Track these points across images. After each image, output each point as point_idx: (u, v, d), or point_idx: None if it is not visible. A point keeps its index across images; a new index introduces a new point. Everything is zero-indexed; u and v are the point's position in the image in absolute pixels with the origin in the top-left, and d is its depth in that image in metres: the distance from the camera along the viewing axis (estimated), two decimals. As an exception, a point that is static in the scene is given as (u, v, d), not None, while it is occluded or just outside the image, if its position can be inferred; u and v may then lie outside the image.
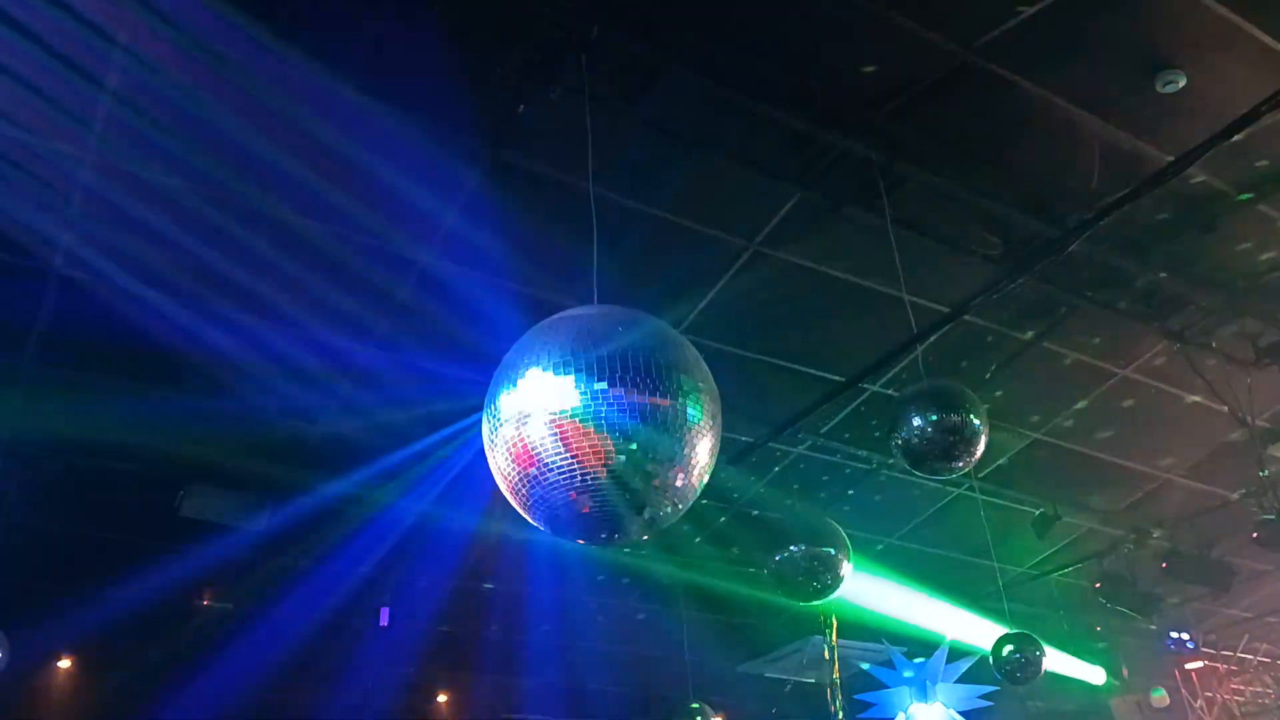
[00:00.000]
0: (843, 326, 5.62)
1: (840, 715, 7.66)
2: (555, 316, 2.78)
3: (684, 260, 5.13)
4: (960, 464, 4.00)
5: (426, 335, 5.24)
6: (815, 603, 5.99)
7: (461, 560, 7.19)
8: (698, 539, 7.49)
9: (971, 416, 3.98)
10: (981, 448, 4.04)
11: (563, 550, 6.94)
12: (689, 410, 2.66)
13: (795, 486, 6.84)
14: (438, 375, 5.48)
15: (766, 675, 9.22)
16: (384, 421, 5.79)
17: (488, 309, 5.05)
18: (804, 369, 5.91)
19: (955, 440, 3.92)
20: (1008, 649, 6.06)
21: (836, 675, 7.81)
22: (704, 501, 6.43)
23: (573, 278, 4.59)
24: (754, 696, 9.32)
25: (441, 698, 8.66)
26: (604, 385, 2.58)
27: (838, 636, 7.90)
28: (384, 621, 7.39)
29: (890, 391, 5.98)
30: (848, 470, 6.93)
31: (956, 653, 7.70)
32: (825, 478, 7.01)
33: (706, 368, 2.76)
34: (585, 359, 2.60)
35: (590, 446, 2.58)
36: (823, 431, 6.53)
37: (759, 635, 8.82)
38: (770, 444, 6.34)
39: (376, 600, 7.36)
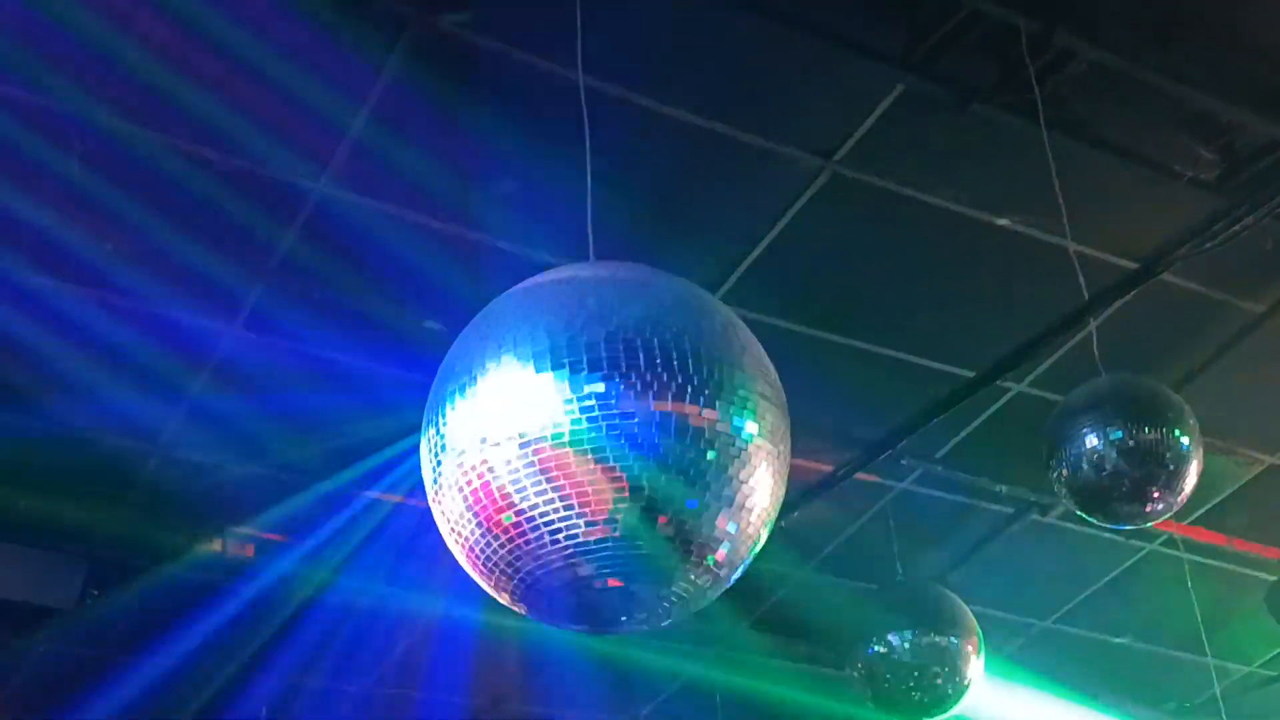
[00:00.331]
0: (968, 293, 5.64)
1: None
2: (529, 281, 2.75)
3: (722, 191, 5.13)
4: (1159, 506, 3.97)
5: (323, 308, 5.22)
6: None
7: (383, 654, 7.18)
8: (744, 623, 7.47)
9: (1178, 434, 3.96)
10: (1192, 481, 4.02)
11: (541, 640, 6.91)
12: (739, 423, 2.62)
13: (896, 541, 6.79)
14: (343, 371, 5.46)
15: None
16: (256, 442, 5.78)
17: (422, 267, 5.03)
18: (909, 358, 5.90)
19: (1153, 470, 3.89)
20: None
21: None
22: (759, 566, 6.42)
23: (553, 220, 4.62)
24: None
25: None
26: (603, 387, 2.52)
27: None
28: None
29: (1046, 394, 5.95)
30: (978, 515, 6.93)
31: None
32: (943, 527, 7.01)
33: (766, 357, 2.71)
34: (576, 346, 2.55)
35: (589, 485, 2.52)
36: (940, 456, 6.52)
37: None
38: (858, 474, 6.33)
39: (251, 709, 7.37)
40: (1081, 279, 4.63)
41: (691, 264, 5.23)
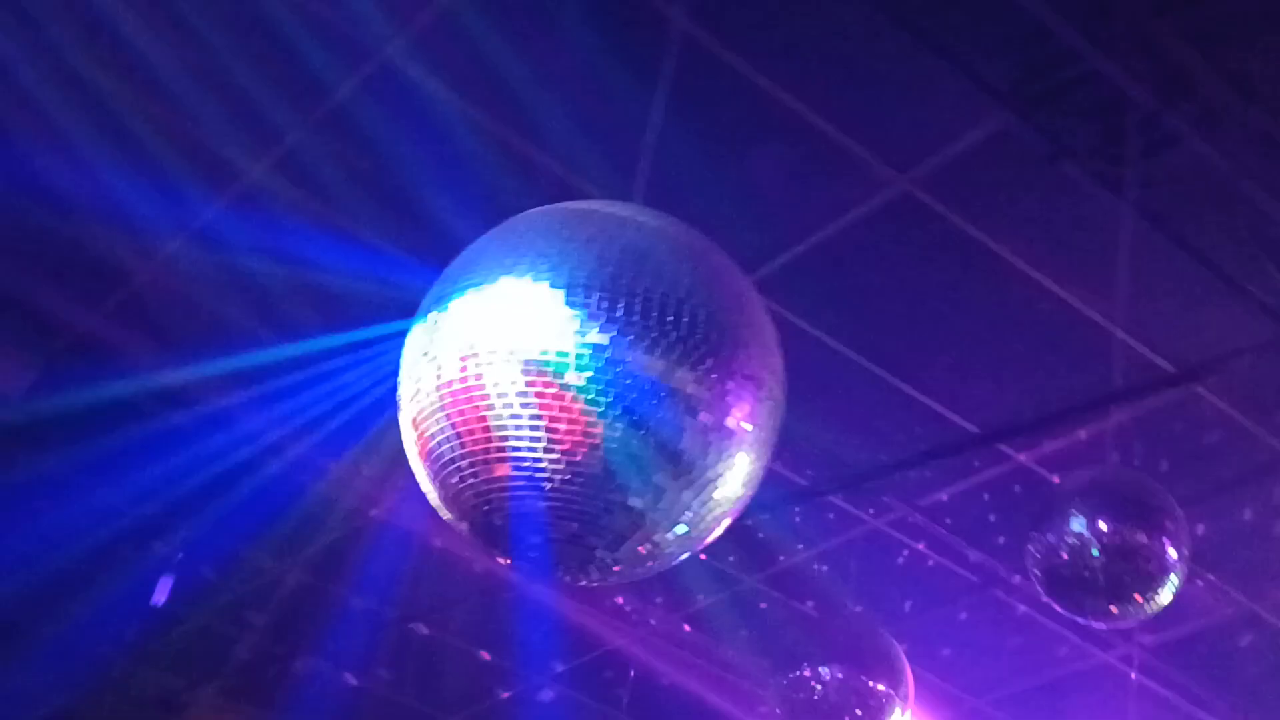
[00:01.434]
0: (1001, 350, 5.57)
1: None
2: (571, 205, 2.76)
3: (788, 173, 5.06)
4: (1127, 611, 3.92)
5: (355, 174, 5.21)
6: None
7: (311, 539, 7.14)
8: (678, 615, 7.48)
9: (1165, 543, 3.90)
10: (1167, 598, 3.97)
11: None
12: (729, 406, 2.59)
13: (855, 576, 6.73)
14: (356, 242, 5.42)
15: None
16: (253, 287, 5.72)
17: (462, 161, 4.98)
18: (921, 398, 5.85)
19: (1130, 574, 3.85)
20: None
21: None
22: (706, 561, 6.43)
23: (609, 152, 4.56)
24: None
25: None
26: (609, 336, 2.48)
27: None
28: (159, 597, 7.37)
29: (1047, 473, 5.91)
30: (943, 575, 6.85)
31: None
32: (905, 576, 6.93)
33: (778, 350, 2.71)
34: (596, 288, 2.52)
35: (566, 424, 2.50)
36: (923, 503, 6.45)
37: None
38: (836, 499, 6.28)
39: (158, 562, 7.34)
40: (1117, 368, 4.56)
41: (735, 236, 5.17)
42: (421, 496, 2.73)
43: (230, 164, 5.32)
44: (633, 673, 7.99)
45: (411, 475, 2.71)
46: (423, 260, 4.89)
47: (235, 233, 5.58)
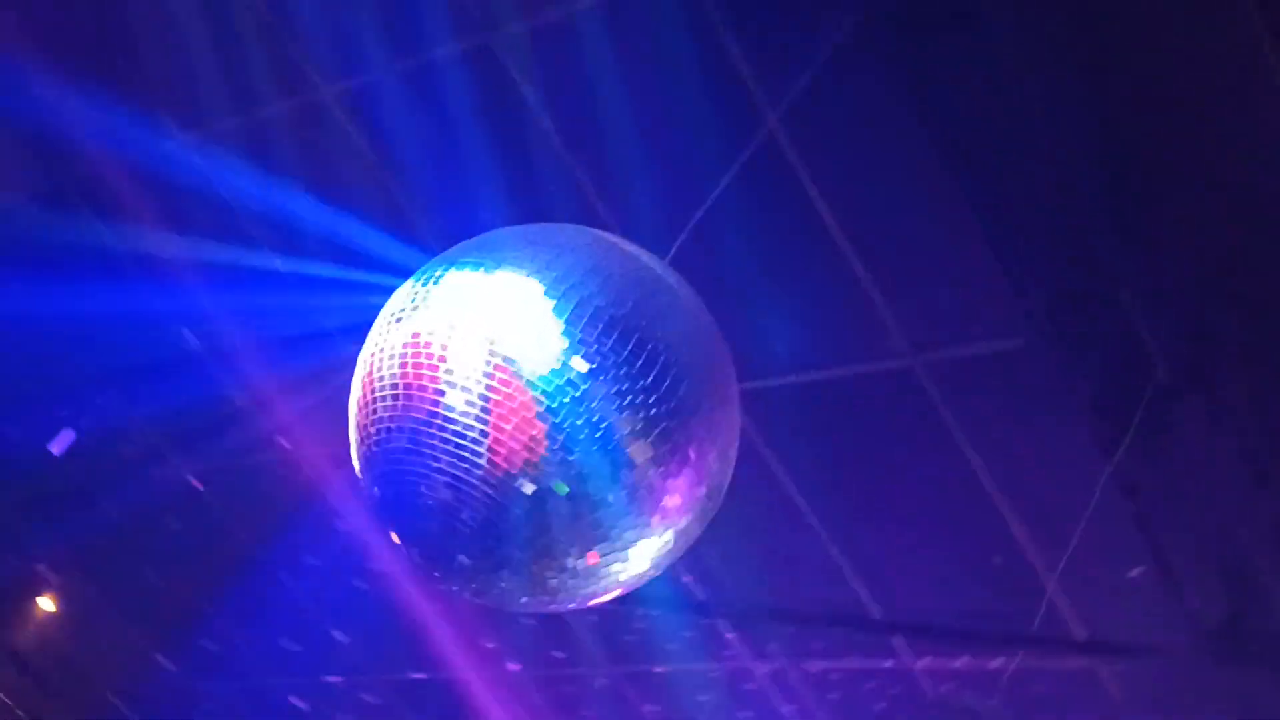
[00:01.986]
0: (940, 547, 5.49)
1: None
2: (605, 235, 2.83)
3: (812, 302, 5.08)
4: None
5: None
6: None
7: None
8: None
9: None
10: None
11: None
12: (673, 484, 2.61)
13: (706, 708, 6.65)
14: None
15: None
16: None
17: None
18: (845, 564, 5.76)
19: None
20: None
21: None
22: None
23: (654, 212, 4.57)
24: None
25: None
26: (594, 365, 2.51)
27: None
28: (57, 446, 7.28)
29: (928, 684, 5.82)
30: None
31: None
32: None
33: (734, 451, 2.76)
34: (604, 318, 2.54)
35: (514, 429, 2.50)
36: (806, 668, 6.31)
37: None
38: (720, 623, 6.21)
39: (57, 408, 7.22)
40: (1039, 616, 4.53)
41: (733, 337, 5.19)
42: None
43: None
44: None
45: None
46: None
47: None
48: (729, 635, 6.41)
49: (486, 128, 4.99)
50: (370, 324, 2.70)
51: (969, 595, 5.41)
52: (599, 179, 4.93)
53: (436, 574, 2.71)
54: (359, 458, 2.64)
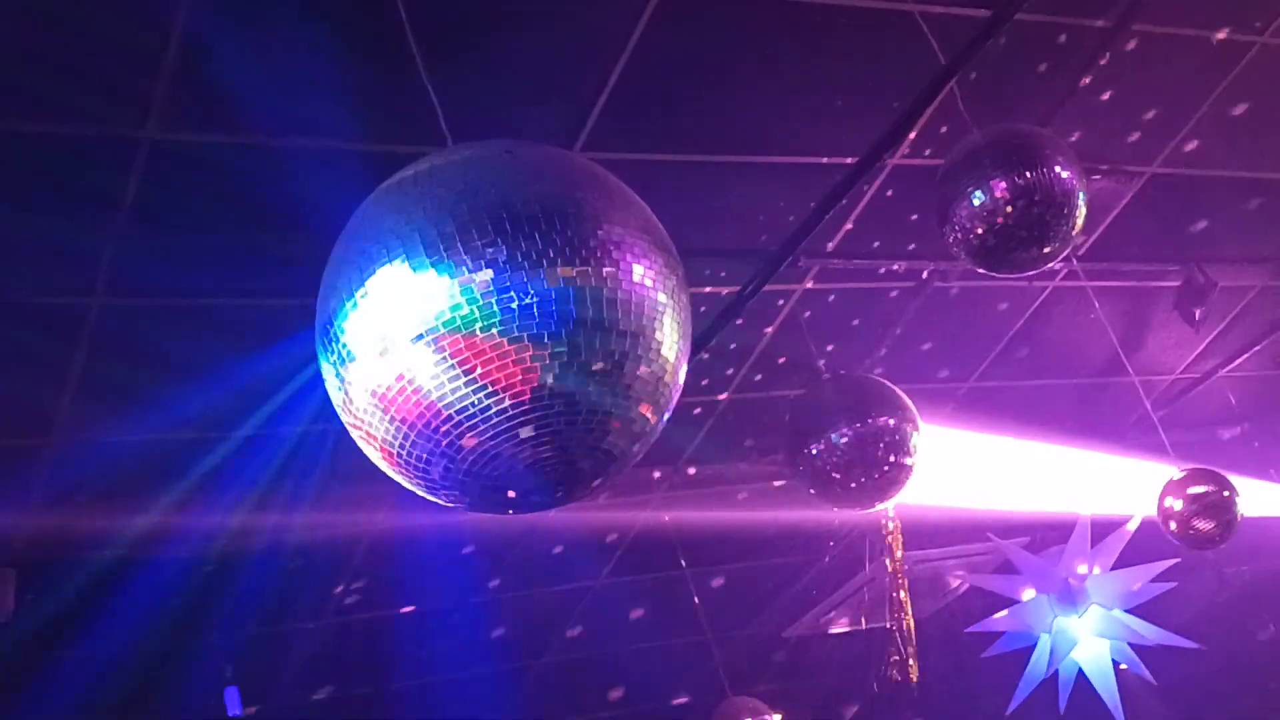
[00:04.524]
0: (828, 82, 5.62)
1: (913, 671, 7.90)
2: (392, 180, 2.74)
3: (557, 38, 5.03)
4: (1056, 245, 4.07)
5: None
6: (884, 505, 6.16)
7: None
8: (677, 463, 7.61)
9: (1058, 169, 4.03)
10: (1082, 212, 4.11)
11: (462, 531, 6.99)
12: (630, 275, 2.64)
13: (811, 341, 6.90)
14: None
15: (831, 632, 9.54)
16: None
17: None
18: (784, 159, 5.94)
19: (1042, 211, 3.97)
20: (1179, 501, 6.26)
21: (905, 614, 8.02)
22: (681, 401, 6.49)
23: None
24: (814, 671, 9.69)
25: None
26: (490, 274, 2.53)
27: (903, 548, 8.11)
28: (234, 710, 7.46)
29: (920, 161, 6.03)
30: (880, 297, 7.06)
31: (1104, 527, 7.98)
32: (851, 318, 7.13)
33: (640, 203, 2.74)
34: (456, 237, 2.56)
35: (500, 365, 2.56)
36: (832, 249, 6.59)
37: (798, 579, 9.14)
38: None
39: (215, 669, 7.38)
40: (934, 41, 4.62)
41: (545, 122, 5.22)
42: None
43: None
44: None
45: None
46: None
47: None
48: (773, 288, 6.52)
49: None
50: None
51: (877, 85, 5.54)
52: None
53: (564, 494, 2.78)
54: (454, 489, 2.70)
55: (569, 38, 5.06)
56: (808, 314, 6.97)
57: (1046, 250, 4.08)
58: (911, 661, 7.84)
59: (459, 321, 2.48)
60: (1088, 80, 6.10)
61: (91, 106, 4.48)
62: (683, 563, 8.46)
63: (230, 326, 5.53)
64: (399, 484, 2.75)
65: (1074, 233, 4.07)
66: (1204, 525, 6.18)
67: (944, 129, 5.75)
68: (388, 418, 2.61)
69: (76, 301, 5.30)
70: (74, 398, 5.62)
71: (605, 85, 5.26)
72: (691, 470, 7.77)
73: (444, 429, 2.56)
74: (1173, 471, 6.46)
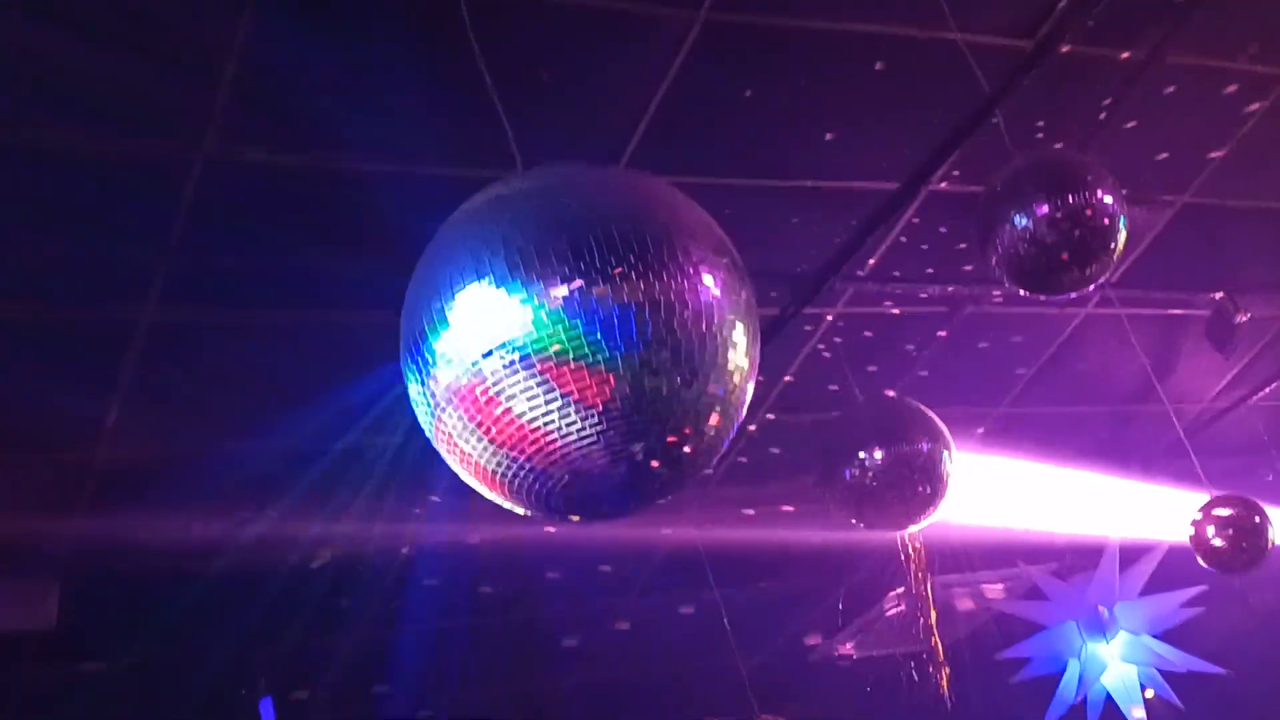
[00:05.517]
0: (868, 110, 5.66)
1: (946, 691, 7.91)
2: (470, 203, 2.82)
3: (598, 68, 5.10)
4: (1097, 267, 4.11)
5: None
6: (914, 528, 6.19)
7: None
8: (710, 483, 7.63)
9: (1099, 193, 4.07)
10: (1123, 236, 4.15)
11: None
12: (702, 291, 2.70)
13: (846, 365, 6.94)
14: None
15: (860, 655, 9.55)
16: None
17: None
18: (824, 184, 5.96)
19: (1084, 234, 4.01)
20: (1211, 525, 6.30)
21: (934, 637, 8.03)
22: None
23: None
24: (843, 694, 9.69)
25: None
26: (566, 290, 2.61)
27: (929, 572, 8.12)
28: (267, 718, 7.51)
29: (956, 188, 6.05)
30: (915, 320, 7.10)
31: (1133, 554, 7.99)
32: (883, 339, 7.17)
33: (710, 219, 2.82)
34: (535, 256, 2.62)
35: (580, 382, 2.64)
36: (866, 273, 6.63)
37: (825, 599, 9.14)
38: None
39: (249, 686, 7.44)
40: (978, 71, 4.66)
41: (589, 145, 5.27)
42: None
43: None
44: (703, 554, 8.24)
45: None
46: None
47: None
48: (810, 312, 6.59)
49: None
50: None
51: (920, 113, 5.57)
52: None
53: (641, 499, 2.85)
54: (531, 498, 2.77)
55: (615, 63, 5.11)
56: (840, 338, 7.01)
57: (1089, 272, 4.12)
58: (943, 685, 7.84)
59: (538, 340, 2.55)
60: (1119, 109, 6.13)
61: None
62: (712, 582, 8.49)
63: (286, 337, 5.62)
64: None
65: (1115, 255, 4.11)
66: (1235, 549, 6.22)
67: (977, 156, 5.79)
68: (483, 435, 2.67)
69: (126, 315, 5.39)
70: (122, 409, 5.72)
71: (646, 111, 5.32)
72: (723, 490, 7.79)
73: (529, 442, 2.63)
74: (1203, 498, 6.50)
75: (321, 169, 4.94)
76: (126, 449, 5.89)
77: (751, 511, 8.00)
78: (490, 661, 8.45)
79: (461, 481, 2.82)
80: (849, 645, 9.57)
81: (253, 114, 4.63)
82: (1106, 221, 4.04)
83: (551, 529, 6.58)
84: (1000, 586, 8.93)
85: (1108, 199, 4.07)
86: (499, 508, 2.83)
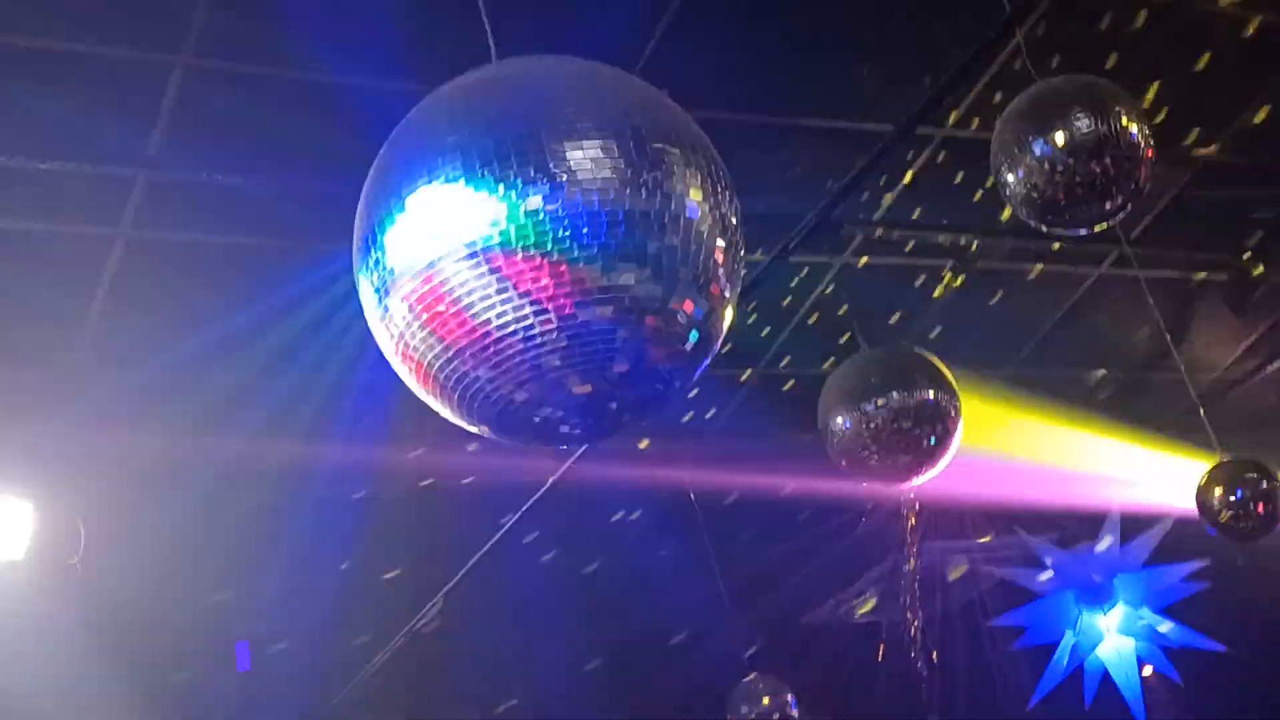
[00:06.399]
0: (883, 42, 5.52)
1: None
2: (437, 92, 2.66)
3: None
4: (1119, 202, 3.91)
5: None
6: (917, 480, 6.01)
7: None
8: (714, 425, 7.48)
9: (1125, 122, 3.87)
10: (1147, 171, 3.95)
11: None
12: (684, 201, 2.52)
13: (852, 315, 6.75)
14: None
15: (852, 620, 9.44)
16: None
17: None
18: (835, 124, 5.81)
19: (1106, 164, 3.81)
20: (1219, 489, 6.04)
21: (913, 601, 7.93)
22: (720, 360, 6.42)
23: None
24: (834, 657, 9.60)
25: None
26: (540, 198, 2.46)
27: (919, 536, 8.01)
28: (243, 663, 7.43)
29: (970, 134, 5.91)
30: (925, 272, 6.93)
31: (1136, 524, 7.84)
32: (892, 291, 7.00)
33: (695, 127, 2.63)
34: (503, 153, 2.46)
35: (547, 284, 2.48)
36: (878, 217, 6.43)
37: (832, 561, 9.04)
38: (801, 256, 6.21)
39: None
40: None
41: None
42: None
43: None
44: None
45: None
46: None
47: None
48: (814, 259, 6.49)
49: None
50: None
51: (936, 43, 5.39)
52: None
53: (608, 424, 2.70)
54: (487, 412, 2.61)
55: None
56: (849, 286, 6.84)
57: (1109, 207, 3.90)
58: (932, 651, 7.74)
59: (504, 238, 2.39)
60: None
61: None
62: (705, 540, 8.34)
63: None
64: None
65: (1140, 186, 3.89)
66: (1245, 514, 5.97)
67: (998, 98, 5.61)
68: (425, 333, 2.52)
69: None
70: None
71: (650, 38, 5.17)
72: (721, 441, 7.63)
73: (486, 344, 2.46)
74: (1213, 462, 6.27)
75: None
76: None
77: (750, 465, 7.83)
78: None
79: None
80: (844, 608, 9.44)
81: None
82: (1130, 152, 3.83)
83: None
84: (999, 554, 8.79)
85: (1133, 128, 3.86)
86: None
